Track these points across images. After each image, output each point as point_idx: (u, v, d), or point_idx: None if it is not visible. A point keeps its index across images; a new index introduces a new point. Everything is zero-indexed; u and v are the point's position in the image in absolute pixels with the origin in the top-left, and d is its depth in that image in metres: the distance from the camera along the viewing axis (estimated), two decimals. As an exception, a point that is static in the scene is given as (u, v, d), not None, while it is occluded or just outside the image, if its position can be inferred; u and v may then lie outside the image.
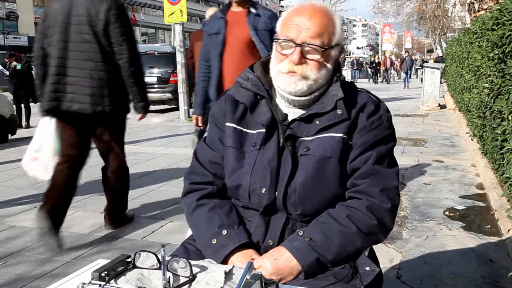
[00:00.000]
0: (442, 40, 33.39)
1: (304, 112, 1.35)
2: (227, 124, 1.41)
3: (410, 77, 25.59)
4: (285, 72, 1.32)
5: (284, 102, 1.40)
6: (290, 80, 1.32)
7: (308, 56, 1.31)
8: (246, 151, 1.38)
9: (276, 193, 1.33)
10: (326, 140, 1.32)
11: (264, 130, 1.35)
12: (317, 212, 1.34)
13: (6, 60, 10.17)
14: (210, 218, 1.39)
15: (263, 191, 1.34)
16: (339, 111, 1.32)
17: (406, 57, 23.50)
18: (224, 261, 1.31)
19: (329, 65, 1.35)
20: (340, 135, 1.32)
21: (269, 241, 1.35)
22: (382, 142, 1.36)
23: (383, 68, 28.22)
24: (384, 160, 1.35)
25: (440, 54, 28.90)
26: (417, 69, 36.71)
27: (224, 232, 1.34)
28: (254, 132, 1.38)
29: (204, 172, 1.45)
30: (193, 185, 1.46)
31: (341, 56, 1.43)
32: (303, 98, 1.36)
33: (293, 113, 1.37)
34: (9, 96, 9.30)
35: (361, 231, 1.29)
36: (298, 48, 1.30)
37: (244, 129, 1.40)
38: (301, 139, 1.33)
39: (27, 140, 8.04)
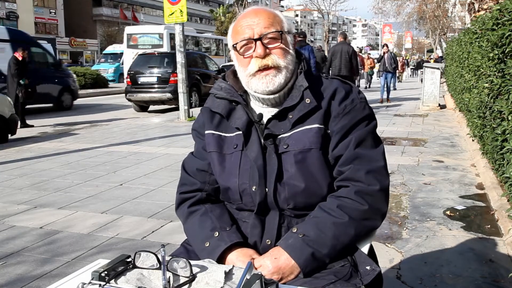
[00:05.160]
0: (442, 40, 33.40)
1: (278, 109, 1.37)
2: (206, 132, 1.46)
3: (392, 83, 16.03)
4: (256, 71, 1.34)
5: (258, 103, 1.43)
6: (266, 80, 1.34)
7: (270, 46, 1.34)
8: (227, 153, 1.41)
9: (266, 189, 1.34)
10: (303, 134, 1.34)
11: (241, 132, 1.38)
12: (310, 205, 1.35)
13: (21, 53, 10.09)
14: (202, 222, 1.41)
15: (253, 189, 1.35)
16: (307, 100, 1.34)
17: (384, 53, 14.52)
18: (223, 262, 1.31)
19: (291, 50, 1.39)
20: (316, 125, 1.34)
21: (267, 240, 1.36)
22: (360, 124, 1.36)
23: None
24: (365, 142, 1.35)
25: (440, 54, 28.75)
26: (412, 69, 36.17)
27: (216, 234, 1.36)
28: (232, 134, 1.41)
29: (192, 181, 1.49)
30: (183, 195, 1.50)
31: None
32: (276, 95, 1.37)
33: (268, 112, 1.39)
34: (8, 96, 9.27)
35: (354, 219, 1.29)
36: (259, 42, 1.33)
37: (223, 133, 1.43)
38: (280, 136, 1.36)
39: (27, 140, 8.08)
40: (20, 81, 9.93)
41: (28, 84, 10.07)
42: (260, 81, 1.34)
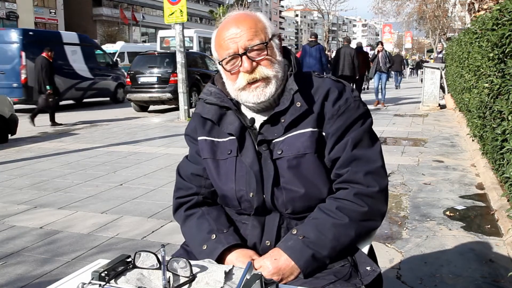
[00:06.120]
0: (442, 40, 33.38)
1: (270, 113, 1.35)
2: (199, 138, 1.45)
3: (397, 82, 21.75)
4: (245, 85, 1.32)
5: (249, 108, 1.41)
6: (256, 92, 1.32)
7: (257, 58, 1.31)
8: (221, 158, 1.40)
9: (264, 195, 1.34)
10: (296, 139, 1.32)
11: (234, 138, 1.36)
12: (309, 208, 1.34)
13: (49, 53, 10.23)
14: (199, 225, 1.41)
15: (250, 195, 1.34)
16: (298, 104, 1.32)
17: (378, 52, 12.74)
18: (222, 264, 1.31)
19: (278, 57, 1.35)
20: (309, 129, 1.32)
21: (266, 241, 1.35)
22: (355, 124, 1.34)
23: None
24: (361, 142, 1.33)
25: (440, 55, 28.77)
26: (411, 69, 36.37)
27: (213, 236, 1.35)
28: (225, 139, 1.40)
29: (188, 185, 1.48)
30: (179, 200, 1.49)
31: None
32: (266, 100, 1.35)
33: (260, 117, 1.38)
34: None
35: (354, 221, 1.29)
36: (244, 57, 1.30)
37: (215, 139, 1.42)
38: (274, 141, 1.34)
39: (27, 140, 8.08)
40: (47, 86, 9.94)
41: (53, 92, 10.13)
42: (250, 94, 1.32)
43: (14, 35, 13.19)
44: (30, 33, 13.60)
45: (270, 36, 1.34)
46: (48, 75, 9.93)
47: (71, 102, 14.79)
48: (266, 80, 1.32)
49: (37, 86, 10.06)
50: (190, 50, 17.71)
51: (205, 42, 23.38)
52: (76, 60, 14.78)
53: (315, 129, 1.32)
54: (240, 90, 1.33)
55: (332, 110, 1.33)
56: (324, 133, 1.33)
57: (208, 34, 24.53)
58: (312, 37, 10.96)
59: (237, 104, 1.41)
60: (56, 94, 10.34)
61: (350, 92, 1.37)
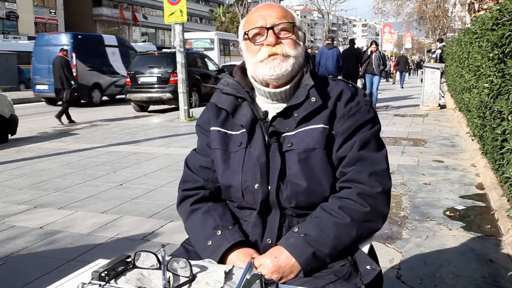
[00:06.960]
0: (436, 41, 33.42)
1: (284, 106, 1.38)
2: (212, 128, 1.46)
3: (401, 81, 22.78)
4: (265, 57, 1.35)
5: (264, 99, 1.42)
6: (273, 64, 1.34)
7: (281, 35, 1.36)
8: (232, 151, 1.41)
9: (269, 187, 1.34)
10: (307, 133, 1.34)
11: (245, 130, 1.38)
12: (312, 205, 1.35)
13: (65, 53, 10.67)
14: (205, 221, 1.41)
15: (255, 187, 1.35)
16: (313, 99, 1.35)
17: (372, 53, 11.64)
18: (223, 261, 1.31)
19: (301, 44, 1.40)
20: (321, 125, 1.34)
21: (267, 239, 1.36)
22: (364, 127, 1.36)
23: None
24: (369, 145, 1.35)
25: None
26: (410, 69, 36.74)
27: (219, 232, 1.35)
28: (238, 132, 1.41)
29: (195, 178, 1.48)
30: (185, 192, 1.49)
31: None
32: (282, 89, 1.38)
33: (274, 109, 1.40)
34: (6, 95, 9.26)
35: (355, 221, 1.30)
36: (271, 31, 1.34)
37: (228, 131, 1.43)
38: (284, 134, 1.36)
39: (27, 140, 8.08)
40: (72, 81, 10.43)
41: (76, 87, 10.68)
42: (267, 66, 1.35)
43: (65, 38, 15.15)
44: (79, 36, 15.78)
45: (297, 25, 1.39)
46: (71, 72, 10.52)
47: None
48: (286, 56, 1.35)
49: (60, 84, 10.44)
50: (209, 52, 19.07)
51: (225, 44, 24.90)
52: (115, 60, 16.82)
53: (326, 126, 1.34)
54: (258, 63, 1.36)
55: (343, 110, 1.35)
56: (333, 132, 1.35)
57: (227, 37, 26.19)
58: (329, 39, 11.97)
59: (252, 96, 1.43)
60: (76, 91, 10.82)
61: (362, 96, 1.41)
